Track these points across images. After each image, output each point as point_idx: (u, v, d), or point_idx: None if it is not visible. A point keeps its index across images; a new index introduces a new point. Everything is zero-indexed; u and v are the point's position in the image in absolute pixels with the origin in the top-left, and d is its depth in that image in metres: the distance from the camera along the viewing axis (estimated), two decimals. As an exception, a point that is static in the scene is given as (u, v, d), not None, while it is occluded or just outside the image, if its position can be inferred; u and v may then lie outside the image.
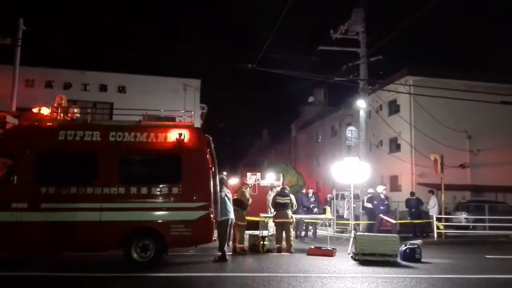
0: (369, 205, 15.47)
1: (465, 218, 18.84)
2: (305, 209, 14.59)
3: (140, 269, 8.17)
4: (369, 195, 15.87)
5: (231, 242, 10.63)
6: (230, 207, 10.14)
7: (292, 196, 11.33)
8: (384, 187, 14.54)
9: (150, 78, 23.62)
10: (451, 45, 50.68)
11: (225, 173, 11.79)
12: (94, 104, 21.21)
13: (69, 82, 21.55)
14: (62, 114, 9.31)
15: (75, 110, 9.95)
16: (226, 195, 10.13)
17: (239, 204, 10.83)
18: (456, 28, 52.04)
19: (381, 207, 15.06)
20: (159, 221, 8.65)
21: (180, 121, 9.79)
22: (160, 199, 8.74)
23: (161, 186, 8.76)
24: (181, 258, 9.81)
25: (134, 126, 9.16)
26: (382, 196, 15.34)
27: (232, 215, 10.20)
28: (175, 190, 8.78)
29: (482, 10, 50.13)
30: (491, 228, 17.11)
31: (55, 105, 9.39)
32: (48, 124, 8.94)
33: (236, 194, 11.04)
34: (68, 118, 9.42)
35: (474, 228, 17.69)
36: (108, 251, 9.03)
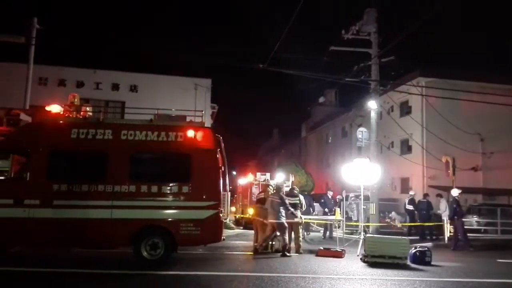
0: (411, 207, 15.83)
1: (476, 222, 18.65)
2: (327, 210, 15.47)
3: (149, 266, 8.25)
4: (410, 197, 16.62)
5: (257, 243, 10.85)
6: (282, 212, 10.67)
7: (301, 197, 11.31)
8: (459, 191, 14.51)
9: (162, 78, 23.80)
10: (464, 45, 50.09)
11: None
12: (106, 102, 21.43)
13: (82, 81, 21.79)
14: (75, 112, 9.42)
15: (88, 109, 10.06)
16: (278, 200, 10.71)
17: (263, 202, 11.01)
18: (470, 28, 51.40)
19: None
20: (169, 219, 8.72)
21: (191, 120, 9.81)
22: (170, 198, 8.80)
23: (171, 184, 8.82)
24: (190, 257, 9.87)
25: (145, 125, 9.23)
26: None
27: (284, 219, 10.68)
28: (185, 189, 8.83)
29: (499, 9, 49.41)
30: (503, 232, 16.92)
31: (68, 103, 9.49)
32: (61, 122, 9.05)
33: (262, 193, 11.18)
34: (81, 117, 9.54)
35: (486, 231, 17.49)
36: (118, 248, 9.11)
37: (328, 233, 15.70)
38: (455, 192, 14.04)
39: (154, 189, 8.78)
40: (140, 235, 8.61)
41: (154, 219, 8.73)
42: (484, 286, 7.82)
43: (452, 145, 22.66)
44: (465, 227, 14.41)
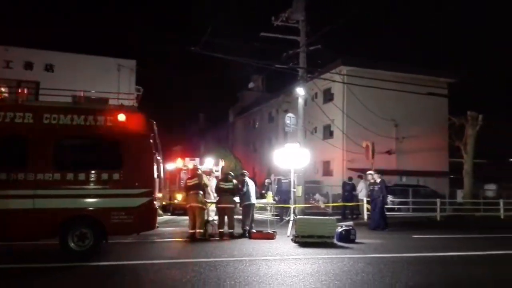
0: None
1: (391, 201, 20.23)
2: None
3: (78, 258, 7.81)
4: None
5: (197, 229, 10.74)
6: (253, 193, 11.58)
7: (235, 182, 11.40)
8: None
9: (81, 57, 22.37)
10: (385, 38, 53.38)
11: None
12: (18, 82, 19.58)
13: (-10, 59, 19.71)
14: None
15: (3, 89, 9.12)
16: (248, 184, 11.50)
17: (201, 188, 11.01)
18: (391, 23, 54.82)
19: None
20: (99, 208, 8.28)
21: (121, 104, 9.32)
22: (100, 186, 8.34)
23: (100, 172, 8.35)
24: (121, 246, 9.51)
25: (71, 108, 8.61)
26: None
27: (254, 200, 11.66)
28: (115, 176, 8.42)
29: (417, 8, 53.21)
30: (414, 210, 18.58)
31: (-20, 83, 8.52)
32: (-28, 104, 8.12)
33: (195, 179, 11.00)
34: (-5, 98, 8.63)
35: (399, 210, 19.07)
36: (43, 240, 8.51)
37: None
38: (376, 176, 14.91)
39: (82, 176, 8.28)
40: (67, 225, 8.10)
41: (82, 209, 8.27)
42: (404, 260, 8.54)
43: (370, 130, 24.25)
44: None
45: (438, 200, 18.36)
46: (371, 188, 14.65)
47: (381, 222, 13.88)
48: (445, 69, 29.61)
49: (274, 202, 15.93)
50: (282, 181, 16.69)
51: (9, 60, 20.20)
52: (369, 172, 15.40)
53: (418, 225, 15.79)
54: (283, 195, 16.14)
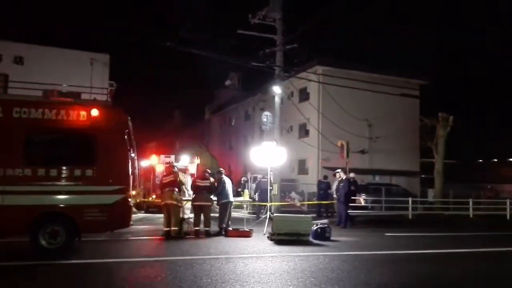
0: (352, 187, 16.94)
1: (364, 199, 20.54)
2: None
3: (49, 256, 7.58)
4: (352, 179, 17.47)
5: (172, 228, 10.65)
6: (230, 191, 11.51)
7: (212, 179, 11.31)
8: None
9: (52, 50, 21.76)
10: (360, 38, 54.19)
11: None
12: (-15, 75, 18.91)
13: (-45, 49, 18.88)
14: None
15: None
16: (225, 182, 11.46)
17: (177, 186, 10.94)
18: (367, 24, 55.69)
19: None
20: (71, 205, 8.09)
21: (95, 98, 9.09)
22: (72, 182, 8.14)
23: (73, 168, 8.16)
24: (93, 244, 9.28)
25: (42, 102, 8.36)
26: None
27: (231, 198, 11.53)
28: (89, 172, 8.24)
29: (392, 9, 54.22)
30: (386, 208, 18.93)
31: None
32: None
33: (171, 176, 10.89)
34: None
35: (372, 208, 19.38)
36: (11, 237, 8.22)
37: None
38: (352, 175, 15.15)
39: (54, 172, 8.07)
40: (38, 222, 7.89)
41: (54, 205, 8.06)
42: (378, 258, 8.69)
43: (344, 129, 24.52)
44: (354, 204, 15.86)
45: (410, 199, 18.77)
46: (338, 186, 14.88)
47: (346, 219, 14.08)
48: (417, 71, 30.28)
49: (251, 200, 15.90)
50: (261, 180, 16.67)
51: (-24, 52, 19.45)
52: (337, 170, 15.63)
53: (390, 223, 16.10)
54: (262, 194, 16.11)
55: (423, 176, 29.63)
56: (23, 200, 7.77)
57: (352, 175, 16.32)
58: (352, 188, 14.77)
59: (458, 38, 56.79)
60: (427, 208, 21.17)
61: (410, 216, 18.43)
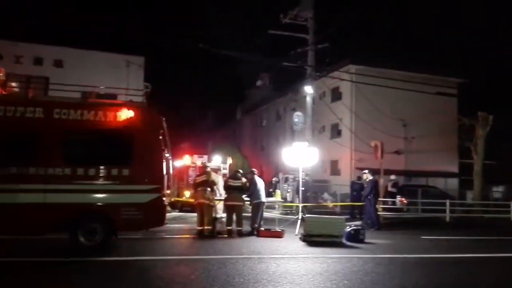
0: (394, 190, 17.42)
1: (399, 201, 20.08)
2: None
3: (87, 253, 7.84)
4: (393, 181, 18.08)
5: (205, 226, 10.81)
6: (262, 191, 11.47)
7: (244, 180, 11.36)
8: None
9: (90, 53, 22.48)
10: (394, 36, 53.00)
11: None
12: (28, 78, 19.75)
13: (0, 54, 19.82)
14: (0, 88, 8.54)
15: (13, 84, 9.17)
16: (257, 182, 11.48)
17: (209, 185, 11.05)
18: (401, 20, 54.45)
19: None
20: (109, 203, 8.31)
21: (131, 100, 9.33)
22: (110, 181, 8.35)
23: (110, 167, 8.37)
24: (129, 242, 9.53)
25: (81, 103, 8.66)
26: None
27: (264, 198, 11.49)
28: (125, 171, 8.44)
29: (427, 6, 52.85)
30: (423, 210, 18.44)
31: (-8, 78, 8.57)
32: (-17, 98, 8.16)
33: (203, 176, 11.06)
34: (5, 93, 8.68)
35: (408, 210, 18.93)
36: (53, 234, 8.56)
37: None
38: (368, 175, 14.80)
39: (92, 172, 8.31)
40: (77, 220, 8.14)
41: (92, 204, 8.30)
42: (413, 261, 8.48)
43: (378, 129, 24.05)
44: (386, 206, 15.58)
45: (447, 201, 18.20)
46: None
47: (377, 220, 13.80)
48: (455, 69, 29.29)
49: (283, 200, 15.88)
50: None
51: (20, 55, 20.35)
52: (364, 171, 15.34)
53: (427, 226, 15.66)
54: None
55: (462, 177, 28.62)
56: (63, 198, 8.04)
57: (393, 177, 16.07)
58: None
59: (499, 33, 54.52)
60: (466, 211, 20.46)
61: (447, 219, 17.87)
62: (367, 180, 14.34)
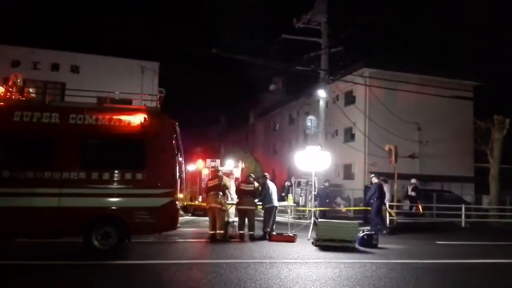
0: (413, 194, 17.34)
1: (410, 205, 19.82)
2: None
3: (101, 256, 7.94)
4: (413, 185, 17.89)
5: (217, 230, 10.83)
6: (275, 195, 11.47)
7: (256, 184, 11.38)
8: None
9: (106, 59, 22.77)
10: (408, 39, 52.62)
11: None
12: (45, 84, 20.15)
13: (18, 60, 20.25)
14: (17, 94, 8.74)
15: (30, 90, 9.38)
16: (270, 186, 11.46)
17: (221, 189, 11.07)
18: (415, 23, 53.97)
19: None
20: (122, 207, 8.42)
21: (145, 105, 9.47)
22: (123, 185, 8.49)
23: (124, 171, 8.49)
24: (142, 245, 9.62)
25: (96, 108, 8.81)
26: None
27: (276, 203, 11.47)
28: (139, 176, 8.55)
29: (441, 9, 52.32)
30: (438, 215, 18.16)
31: (10, 83, 8.78)
32: (1, 104, 8.36)
33: (216, 180, 11.09)
34: (23, 98, 8.88)
35: (423, 215, 18.66)
36: (67, 238, 8.70)
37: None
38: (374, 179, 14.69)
39: (106, 176, 8.44)
40: (91, 224, 8.27)
41: (106, 208, 8.42)
42: (428, 267, 8.36)
43: (392, 133, 23.83)
44: (402, 211, 15.37)
45: (463, 206, 17.91)
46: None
47: (380, 224, 13.64)
48: (471, 72, 28.88)
49: (295, 205, 15.83)
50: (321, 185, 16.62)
51: (37, 62, 20.74)
52: (371, 175, 15.27)
53: (442, 231, 15.42)
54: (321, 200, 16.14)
55: (477, 182, 28.12)
56: (78, 202, 8.19)
57: (413, 181, 15.95)
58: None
59: (515, 36, 53.58)
60: (482, 216, 20.07)
61: (463, 224, 17.57)
62: (373, 183, 14.35)
